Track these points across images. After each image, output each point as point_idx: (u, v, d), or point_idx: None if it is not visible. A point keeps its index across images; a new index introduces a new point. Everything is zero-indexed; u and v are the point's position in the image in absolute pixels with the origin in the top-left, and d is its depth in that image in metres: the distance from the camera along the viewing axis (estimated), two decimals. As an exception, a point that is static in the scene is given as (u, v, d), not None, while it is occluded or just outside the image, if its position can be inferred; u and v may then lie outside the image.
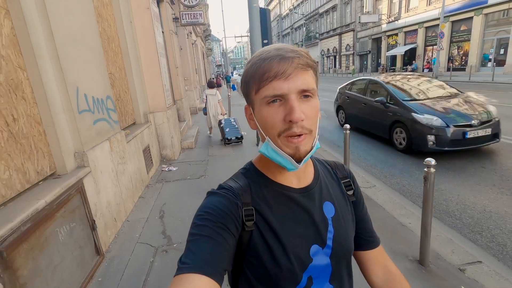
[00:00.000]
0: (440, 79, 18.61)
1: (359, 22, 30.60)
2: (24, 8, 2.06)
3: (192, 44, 13.80)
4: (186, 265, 0.50)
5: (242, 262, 0.62)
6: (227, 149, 6.15)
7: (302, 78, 0.55)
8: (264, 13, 5.39)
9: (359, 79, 7.32)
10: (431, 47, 22.97)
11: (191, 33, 13.19)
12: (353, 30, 34.09)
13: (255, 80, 0.57)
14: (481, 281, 2.07)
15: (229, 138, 6.36)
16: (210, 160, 5.40)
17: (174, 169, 4.95)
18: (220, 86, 22.86)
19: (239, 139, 6.44)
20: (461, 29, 20.39)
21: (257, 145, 6.08)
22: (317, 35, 44.86)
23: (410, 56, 25.75)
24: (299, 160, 0.57)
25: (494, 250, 2.55)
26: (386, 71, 27.43)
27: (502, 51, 17.66)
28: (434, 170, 2.05)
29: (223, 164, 5.13)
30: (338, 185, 0.74)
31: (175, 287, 0.47)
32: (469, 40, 19.54)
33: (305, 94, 0.56)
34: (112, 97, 3.39)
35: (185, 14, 7.81)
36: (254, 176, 0.66)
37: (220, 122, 6.72)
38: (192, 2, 7.48)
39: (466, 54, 20.24)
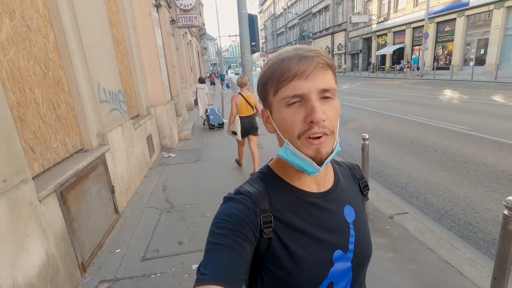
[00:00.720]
0: (425, 78, 19.57)
1: (350, 22, 31.44)
2: (63, 23, 2.75)
3: (188, 44, 14.45)
4: (205, 276, 0.50)
5: (259, 267, 0.61)
6: (220, 138, 6.87)
7: (322, 78, 0.54)
8: (252, 19, 6.11)
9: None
10: (418, 47, 23.87)
11: (186, 33, 13.84)
12: (345, 30, 34.95)
13: (274, 81, 0.56)
14: (402, 223, 2.83)
15: (212, 124, 7.80)
16: (205, 148, 6.12)
17: (173, 155, 5.66)
18: (215, 84, 23.60)
19: (221, 125, 7.84)
20: (445, 29, 21.35)
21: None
22: (311, 34, 45.62)
23: (398, 55, 26.68)
24: (320, 163, 0.55)
25: (423, 207, 3.32)
26: (376, 70, 28.36)
27: (482, 51, 18.62)
28: (368, 142, 2.79)
29: (216, 151, 5.85)
30: (357, 187, 0.73)
31: None
32: (452, 40, 20.49)
33: (325, 95, 0.54)
34: (122, 91, 4.09)
35: (181, 17, 8.49)
36: (272, 180, 0.64)
37: (206, 111, 8.25)
38: (188, 7, 8.16)
39: (450, 54, 21.20)
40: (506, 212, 1.45)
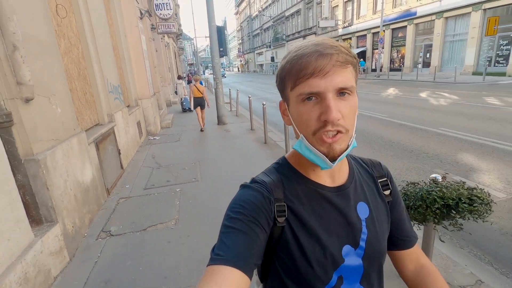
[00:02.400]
0: (381, 78, 22.17)
1: (319, 27, 33.74)
2: (86, 38, 4.17)
3: (165, 46, 15.72)
4: (219, 256, 0.51)
5: (272, 256, 0.62)
6: (195, 127, 8.37)
7: (340, 76, 0.53)
8: (220, 29, 7.67)
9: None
10: (377, 50, 26.46)
11: (164, 36, 15.12)
12: (315, 33, 37.27)
13: (292, 76, 0.56)
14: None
15: (185, 108, 11.30)
16: (184, 133, 7.61)
17: (158, 138, 7.11)
18: (191, 82, 25.08)
19: (190, 110, 10.46)
20: (399, 35, 24.00)
21: (218, 124, 8.38)
22: (284, 36, 47.75)
23: (361, 58, 29.25)
24: (333, 159, 0.56)
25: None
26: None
27: (428, 55, 21.33)
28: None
29: (193, 135, 7.36)
30: (375, 185, 0.72)
31: (208, 277, 0.49)
32: (405, 45, 23.13)
33: (342, 92, 0.54)
34: (120, 85, 5.51)
35: (161, 24, 9.89)
36: (287, 171, 0.65)
37: (181, 99, 11.71)
38: (166, 16, 9.55)
39: (403, 57, 23.86)
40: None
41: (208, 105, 7.87)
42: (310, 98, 0.54)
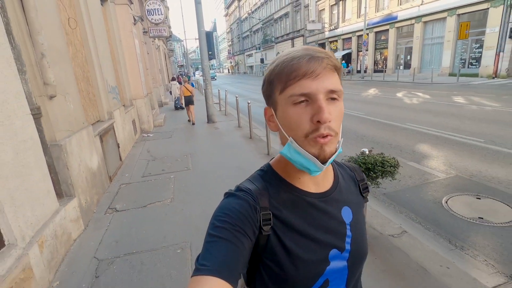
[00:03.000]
0: (365, 79, 23.19)
1: (306, 29, 34.66)
2: (89, 45, 4.71)
3: (156, 48, 16.19)
4: (204, 267, 0.51)
5: (258, 263, 0.63)
6: (186, 125, 8.92)
7: (330, 79, 0.55)
8: (208, 34, 8.28)
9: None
10: (361, 52, 27.48)
11: (155, 39, 15.60)
12: (303, 36, 38.20)
13: (282, 79, 0.56)
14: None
15: (177, 106, 12.44)
16: (175, 131, 8.16)
17: (151, 135, 7.65)
18: (181, 83, 25.77)
19: (182, 107, 11.00)
20: (382, 38, 25.05)
21: (207, 122, 8.96)
22: (273, 38, 48.57)
23: (347, 60, 30.23)
24: (323, 161, 0.56)
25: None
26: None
27: (408, 57, 22.41)
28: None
29: (184, 132, 7.92)
30: (357, 188, 0.75)
31: (193, 287, 0.49)
32: (387, 47, 24.19)
33: (332, 97, 0.55)
34: (117, 86, 6.05)
35: (153, 29, 10.41)
36: (272, 179, 0.66)
37: (175, 98, 12.83)
38: (158, 21, 10.08)
39: (386, 59, 24.92)
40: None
41: (190, 112, 9.49)
42: (302, 101, 0.55)
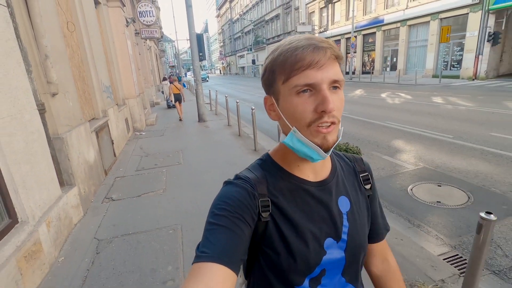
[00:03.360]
0: (353, 80, 23.85)
1: (296, 31, 35.21)
2: (84, 45, 4.98)
3: (148, 49, 16.39)
4: (204, 253, 0.51)
5: (256, 251, 0.63)
6: (178, 124, 9.20)
7: (333, 69, 0.56)
8: (199, 37, 8.58)
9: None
10: (350, 54, 28.16)
11: (146, 40, 15.80)
12: (293, 37, 38.79)
13: (285, 69, 0.56)
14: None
15: (169, 105, 13.03)
16: (167, 129, 8.44)
17: (143, 133, 7.91)
18: (172, 83, 26.23)
19: (173, 106, 11.35)
20: (369, 41, 25.74)
21: (198, 121, 9.26)
22: (264, 40, 49.04)
23: (336, 61, 30.90)
24: (326, 150, 0.57)
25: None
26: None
27: (395, 59, 23.13)
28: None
29: (175, 131, 8.21)
30: (356, 179, 0.75)
31: (194, 274, 0.49)
32: (374, 50, 24.89)
33: (334, 85, 0.56)
34: (111, 85, 6.31)
35: (144, 30, 10.66)
36: (271, 167, 0.67)
37: (166, 97, 13.49)
38: (149, 22, 10.34)
39: (373, 61, 25.62)
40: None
41: (183, 100, 10.28)
42: (305, 90, 0.55)
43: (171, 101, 10.24)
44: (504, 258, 2.41)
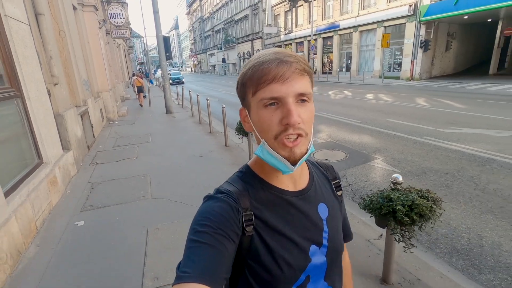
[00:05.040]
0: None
1: (263, 32, 36.99)
2: (68, 45, 6.17)
3: (117, 47, 17.19)
4: (186, 273, 0.50)
5: (242, 265, 0.62)
6: (147, 115, 10.42)
7: (299, 82, 0.56)
8: (166, 39, 9.86)
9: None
10: (311, 56, 30.45)
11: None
12: (261, 38, 40.52)
13: (253, 82, 0.58)
14: (224, 133, 7.08)
15: (145, 96, 14.17)
16: (138, 119, 9.67)
17: (117, 122, 9.09)
18: (142, 92, 27.64)
19: (145, 96, 13.70)
20: (328, 44, 28.15)
21: (166, 112, 10.56)
22: (234, 39, 50.31)
23: (300, 62, 33.11)
24: (294, 163, 0.58)
25: (240, 132, 7.66)
26: (285, 73, 34.35)
27: (349, 61, 25.67)
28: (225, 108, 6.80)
29: (145, 120, 9.47)
30: (330, 186, 0.77)
31: None
32: (332, 52, 27.31)
33: (302, 98, 0.57)
34: (88, 80, 7.48)
35: (115, 31, 11.69)
36: (251, 179, 0.67)
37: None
38: (119, 24, 11.40)
39: (331, 62, 28.08)
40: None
41: (144, 91, 13.03)
42: (272, 103, 0.56)
43: (135, 91, 12.91)
44: (350, 189, 4.12)
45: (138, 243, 2.70)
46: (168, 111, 10.46)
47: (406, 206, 1.75)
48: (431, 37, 18.41)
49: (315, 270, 0.66)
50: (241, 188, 0.64)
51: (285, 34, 34.41)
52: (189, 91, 10.34)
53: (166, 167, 4.74)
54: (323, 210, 0.71)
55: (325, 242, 0.68)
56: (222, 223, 0.57)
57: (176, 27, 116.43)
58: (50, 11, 4.87)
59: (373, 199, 1.95)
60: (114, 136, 7.31)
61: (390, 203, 1.82)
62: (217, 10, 55.69)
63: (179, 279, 0.50)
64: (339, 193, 0.79)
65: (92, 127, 6.71)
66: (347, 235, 0.83)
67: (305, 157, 0.59)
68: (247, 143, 4.80)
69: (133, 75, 15.99)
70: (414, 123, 7.13)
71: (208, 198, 0.64)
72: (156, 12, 9.50)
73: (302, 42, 31.69)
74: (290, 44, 34.04)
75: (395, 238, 1.96)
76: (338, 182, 0.81)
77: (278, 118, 0.56)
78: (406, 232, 1.86)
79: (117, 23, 11.28)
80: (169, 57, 9.97)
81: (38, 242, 2.80)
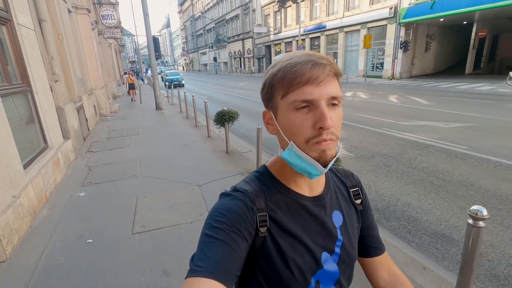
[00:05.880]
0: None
1: (253, 32, 37.67)
2: (64, 47, 6.79)
3: (108, 46, 17.68)
4: (199, 268, 0.51)
5: (253, 265, 0.63)
6: (138, 112, 11.05)
7: (332, 85, 0.56)
8: (155, 39, 10.49)
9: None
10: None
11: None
12: (251, 37, 41.20)
13: (284, 84, 0.57)
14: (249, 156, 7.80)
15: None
16: (129, 115, 10.30)
17: (109, 117, 9.71)
18: (133, 88, 28.31)
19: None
20: (315, 44, 29.03)
21: (156, 109, 11.20)
22: (225, 38, 50.85)
23: (289, 61, 33.92)
24: (324, 165, 0.57)
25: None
26: (275, 72, 35.14)
27: (335, 61, 26.50)
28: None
29: (136, 116, 10.11)
30: (347, 194, 0.76)
31: None
32: (320, 52, 28.07)
33: (332, 102, 0.57)
34: (82, 78, 8.10)
35: (107, 31, 12.26)
36: (268, 181, 0.67)
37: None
38: (111, 25, 11.97)
39: (319, 62, 28.93)
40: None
41: (136, 88, 14.15)
42: (304, 106, 0.56)
43: (126, 88, 14.56)
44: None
45: (130, 206, 3.42)
46: (158, 107, 11.10)
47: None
48: (410, 38, 19.42)
49: (325, 276, 0.66)
50: (257, 188, 0.65)
51: (275, 34, 35.16)
52: (177, 89, 10.99)
53: (154, 154, 5.44)
54: (337, 218, 0.70)
55: (337, 250, 0.68)
56: (237, 221, 0.57)
57: (168, 25, 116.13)
58: (50, 17, 5.51)
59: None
60: (107, 129, 7.95)
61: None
62: (208, 9, 56.04)
63: (192, 272, 0.51)
64: (358, 201, 0.77)
65: (86, 121, 7.35)
66: (377, 248, 0.80)
67: (334, 159, 0.59)
68: (227, 134, 5.52)
69: (125, 73, 16.51)
70: (379, 117, 7.97)
71: (224, 195, 0.64)
72: (146, 15, 10.13)
73: (291, 42, 32.50)
74: (280, 43, 34.83)
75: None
76: (358, 190, 0.79)
77: (311, 121, 0.56)
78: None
79: (108, 24, 11.85)
80: (158, 56, 10.61)
81: (48, 207, 3.48)
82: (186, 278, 0.51)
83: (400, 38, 19.34)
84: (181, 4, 79.76)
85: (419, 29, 20.24)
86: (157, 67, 12.62)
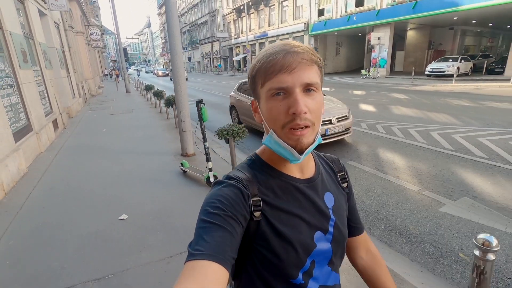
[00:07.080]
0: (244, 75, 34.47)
1: (216, 36, 44.27)
2: (75, 57, 13.34)
3: (94, 51, 24.05)
4: (198, 251, 0.52)
5: (248, 249, 0.65)
6: (114, 94, 17.59)
7: (306, 72, 0.57)
8: (125, 50, 17.06)
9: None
10: (252, 57, 38.14)
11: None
12: (218, 40, 47.57)
13: (261, 74, 0.60)
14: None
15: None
16: (108, 95, 16.89)
17: (96, 96, 16.33)
18: (118, 76, 33.24)
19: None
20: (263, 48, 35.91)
21: (126, 92, 17.79)
22: (198, 40, 56.74)
23: (245, 62, 40.76)
24: (301, 152, 0.60)
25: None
26: (236, 70, 41.91)
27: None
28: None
29: (112, 96, 16.67)
30: (335, 178, 0.80)
31: (188, 272, 0.49)
32: (266, 54, 35.12)
33: (309, 88, 0.58)
34: (82, 71, 14.68)
35: (93, 42, 18.76)
36: (260, 166, 0.70)
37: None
38: (96, 38, 18.43)
39: (266, 62, 35.88)
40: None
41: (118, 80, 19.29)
42: (279, 93, 0.58)
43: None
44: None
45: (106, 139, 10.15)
46: (127, 91, 17.69)
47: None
48: (318, 45, 26.74)
49: (320, 256, 0.69)
50: (249, 175, 0.67)
51: (235, 38, 41.92)
52: (142, 81, 17.66)
53: (123, 109, 12.02)
54: (329, 199, 0.73)
55: (331, 229, 0.71)
56: (232, 207, 0.59)
57: (149, 25, 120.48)
58: (69, 42, 12.03)
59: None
60: (96, 100, 14.54)
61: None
62: (183, 14, 61.74)
63: (191, 256, 0.52)
64: (344, 185, 0.82)
65: (85, 94, 13.92)
66: (358, 228, 0.86)
67: (312, 146, 0.62)
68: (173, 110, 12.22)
69: (112, 69, 22.95)
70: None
71: (218, 183, 0.66)
72: (118, 35, 16.68)
73: (245, 46, 39.37)
74: (239, 47, 41.62)
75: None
76: (344, 174, 0.83)
77: (285, 107, 0.58)
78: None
79: (94, 38, 18.24)
80: (127, 59, 17.20)
81: (49, 149, 10.17)
82: (185, 262, 0.52)
83: (311, 45, 26.60)
84: (160, 7, 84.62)
85: (329, 38, 27.57)
86: (140, 66, 18.89)
